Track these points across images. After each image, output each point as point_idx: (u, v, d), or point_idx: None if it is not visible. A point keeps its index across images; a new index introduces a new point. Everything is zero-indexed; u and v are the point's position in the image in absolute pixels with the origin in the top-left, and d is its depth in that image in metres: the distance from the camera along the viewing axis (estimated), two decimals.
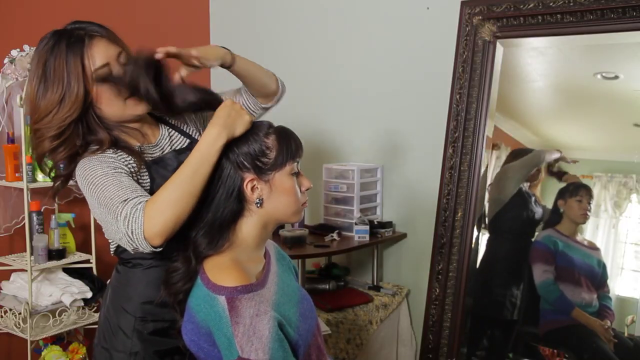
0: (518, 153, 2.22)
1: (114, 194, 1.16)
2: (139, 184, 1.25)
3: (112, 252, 1.37)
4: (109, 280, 1.44)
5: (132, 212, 1.12)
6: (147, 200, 1.15)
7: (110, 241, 1.35)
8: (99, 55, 1.24)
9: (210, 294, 1.11)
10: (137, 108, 1.29)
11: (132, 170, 1.26)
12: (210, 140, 1.16)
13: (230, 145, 1.18)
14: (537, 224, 2.15)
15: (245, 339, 1.06)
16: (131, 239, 1.13)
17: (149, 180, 1.30)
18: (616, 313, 1.98)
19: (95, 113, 1.27)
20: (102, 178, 1.19)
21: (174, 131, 1.42)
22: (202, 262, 1.18)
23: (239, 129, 1.18)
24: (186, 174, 1.15)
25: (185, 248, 1.19)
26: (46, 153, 1.26)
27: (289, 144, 1.21)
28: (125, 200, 1.14)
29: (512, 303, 2.18)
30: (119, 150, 1.27)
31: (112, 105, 1.27)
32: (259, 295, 1.12)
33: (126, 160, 1.26)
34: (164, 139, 1.39)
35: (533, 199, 2.16)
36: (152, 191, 1.27)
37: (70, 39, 1.23)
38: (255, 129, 1.20)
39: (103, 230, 1.30)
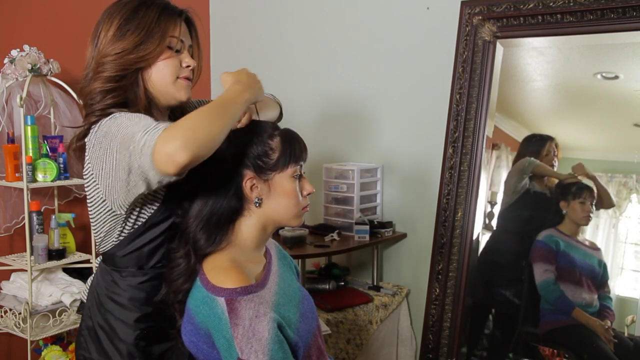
0: (530, 139, 2.19)
1: (133, 128, 1.10)
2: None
3: (100, 252, 1.32)
4: (90, 289, 1.37)
5: (152, 129, 1.07)
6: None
7: (97, 239, 1.30)
8: (183, 32, 1.31)
9: (210, 296, 1.11)
10: (181, 92, 1.31)
11: None
12: (237, 92, 1.17)
13: (234, 142, 1.18)
14: (541, 223, 2.15)
15: (245, 340, 1.06)
16: (139, 156, 1.06)
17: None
18: (616, 313, 1.98)
19: (142, 77, 1.28)
20: (125, 121, 1.14)
21: None
22: (201, 261, 1.17)
23: (261, 95, 1.22)
24: (217, 105, 1.12)
25: (185, 243, 1.19)
26: (96, 93, 1.25)
27: (293, 147, 1.20)
28: (148, 129, 1.08)
29: (512, 303, 2.18)
30: None
31: (162, 74, 1.28)
32: (258, 296, 1.12)
33: None
34: None
35: (542, 198, 2.15)
36: (158, 191, 1.23)
37: (169, 4, 1.30)
38: (259, 130, 1.20)
39: (93, 220, 1.25)
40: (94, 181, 1.21)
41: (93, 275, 1.41)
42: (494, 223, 2.26)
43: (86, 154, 1.24)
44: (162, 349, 1.31)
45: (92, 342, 1.32)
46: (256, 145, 1.18)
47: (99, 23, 1.29)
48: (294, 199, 1.20)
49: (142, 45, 1.24)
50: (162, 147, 1.03)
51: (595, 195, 2.02)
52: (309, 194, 1.24)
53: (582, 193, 2.05)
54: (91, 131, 1.23)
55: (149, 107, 1.30)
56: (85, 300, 1.40)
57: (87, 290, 1.40)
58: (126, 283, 1.30)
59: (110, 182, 1.16)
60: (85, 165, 1.25)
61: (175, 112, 1.43)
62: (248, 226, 1.21)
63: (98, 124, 1.22)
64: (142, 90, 1.27)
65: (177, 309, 1.20)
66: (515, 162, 2.21)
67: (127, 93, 1.26)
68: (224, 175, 1.18)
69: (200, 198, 1.19)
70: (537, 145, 2.16)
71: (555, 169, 2.13)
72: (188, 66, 1.31)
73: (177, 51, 1.30)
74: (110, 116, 1.20)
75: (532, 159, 2.15)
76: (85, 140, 1.25)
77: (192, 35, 1.36)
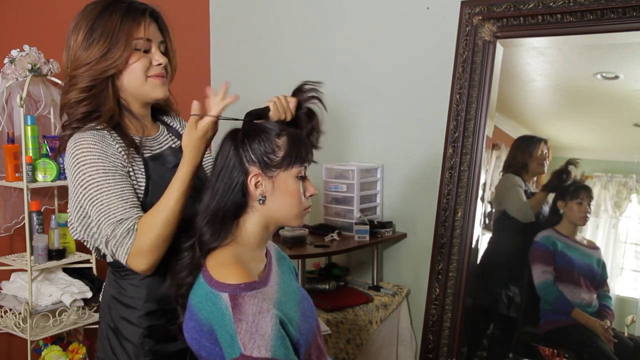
0: (523, 139, 2.20)
1: (111, 201, 1.21)
2: (135, 181, 1.27)
3: (97, 256, 1.35)
4: (102, 292, 1.42)
5: (122, 236, 1.19)
6: (137, 223, 1.20)
7: (83, 241, 1.33)
8: (150, 31, 1.31)
9: (213, 292, 1.12)
10: (156, 91, 1.33)
11: (125, 163, 1.27)
12: (183, 175, 1.22)
13: (242, 139, 1.20)
14: (540, 223, 2.14)
15: (248, 336, 1.07)
16: (113, 256, 1.21)
17: (144, 177, 1.30)
18: (616, 313, 1.98)
19: (113, 82, 1.31)
20: (102, 175, 1.22)
21: (170, 132, 1.45)
22: (205, 256, 1.19)
23: (200, 147, 1.23)
24: (168, 206, 1.21)
25: (191, 236, 1.21)
26: (72, 103, 1.29)
27: (299, 147, 1.22)
28: (122, 220, 1.20)
29: (512, 303, 2.18)
30: (115, 134, 1.29)
31: (134, 76, 1.31)
32: (261, 292, 1.13)
33: (122, 148, 1.27)
34: (162, 136, 1.42)
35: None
36: (147, 189, 1.29)
37: (132, 5, 1.30)
38: (268, 128, 1.22)
39: (71, 223, 1.31)
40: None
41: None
42: (494, 223, 2.26)
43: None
44: (172, 349, 1.31)
45: (106, 343, 1.34)
46: (264, 142, 1.20)
47: (70, 29, 1.31)
48: (296, 198, 1.22)
49: (108, 53, 1.27)
50: (133, 265, 1.21)
51: (593, 195, 2.03)
52: (311, 196, 1.26)
53: (580, 193, 2.05)
54: (67, 146, 1.28)
55: (120, 112, 1.33)
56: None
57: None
58: (126, 282, 1.32)
59: (75, 215, 1.29)
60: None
61: (158, 111, 1.46)
62: (251, 224, 1.22)
63: (68, 143, 1.27)
64: (111, 96, 1.30)
65: (179, 303, 1.21)
66: (507, 162, 2.21)
67: (98, 100, 1.29)
68: (231, 171, 1.19)
69: (208, 192, 1.21)
70: (529, 146, 2.18)
71: (545, 169, 2.14)
72: (159, 64, 1.32)
73: (146, 51, 1.31)
74: (73, 144, 1.25)
75: (524, 201, 2.16)
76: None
77: (163, 31, 1.36)
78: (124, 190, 1.22)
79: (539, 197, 2.14)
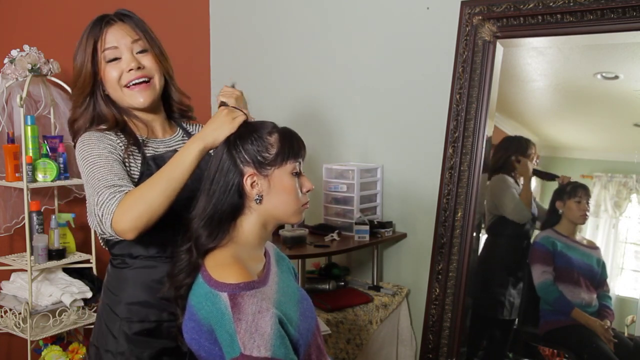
0: (511, 140, 2.23)
1: (102, 176, 1.21)
2: (129, 173, 1.30)
3: (102, 244, 1.40)
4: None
5: (108, 198, 1.17)
6: (127, 192, 1.19)
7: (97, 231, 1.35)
8: (110, 39, 1.33)
9: (213, 291, 1.12)
10: (133, 100, 1.36)
11: (125, 157, 1.31)
12: (186, 149, 1.20)
13: (234, 141, 1.21)
14: (535, 223, 2.15)
15: (248, 335, 1.07)
16: (100, 223, 1.17)
17: (139, 173, 1.32)
18: (616, 313, 1.98)
19: (105, 93, 1.36)
20: (96, 157, 1.25)
21: (187, 138, 1.47)
22: (203, 257, 1.19)
23: (222, 134, 1.20)
24: (163, 175, 1.18)
25: (188, 239, 1.21)
26: (76, 119, 1.37)
27: (291, 143, 1.23)
28: (111, 186, 1.19)
29: (512, 303, 2.18)
30: (121, 134, 1.34)
31: (112, 90, 1.36)
32: (260, 292, 1.13)
33: (122, 143, 1.32)
34: (174, 140, 1.44)
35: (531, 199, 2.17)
36: (137, 185, 1.30)
37: (95, 23, 1.35)
38: (259, 127, 1.23)
39: (89, 213, 1.33)
40: None
41: None
42: (491, 224, 2.26)
43: None
44: (155, 344, 1.32)
45: (96, 328, 1.38)
46: (256, 141, 1.21)
47: None
48: (293, 195, 1.23)
49: (81, 74, 1.34)
50: (116, 226, 1.15)
51: (591, 193, 2.03)
52: (308, 191, 1.26)
53: (578, 192, 2.06)
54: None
55: (121, 117, 1.37)
56: None
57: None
58: (118, 270, 1.36)
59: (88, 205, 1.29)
60: None
61: (179, 115, 1.50)
62: (249, 224, 1.22)
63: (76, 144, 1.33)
64: (107, 113, 1.36)
65: (179, 304, 1.21)
66: (496, 164, 2.22)
67: (94, 113, 1.36)
68: (226, 174, 1.20)
69: (203, 196, 1.21)
70: (522, 146, 2.19)
71: (530, 169, 2.18)
72: (130, 69, 1.33)
73: (117, 59, 1.34)
74: (78, 141, 1.31)
75: (518, 200, 2.17)
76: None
77: (137, 29, 1.37)
78: (113, 167, 1.24)
79: (526, 191, 2.15)
